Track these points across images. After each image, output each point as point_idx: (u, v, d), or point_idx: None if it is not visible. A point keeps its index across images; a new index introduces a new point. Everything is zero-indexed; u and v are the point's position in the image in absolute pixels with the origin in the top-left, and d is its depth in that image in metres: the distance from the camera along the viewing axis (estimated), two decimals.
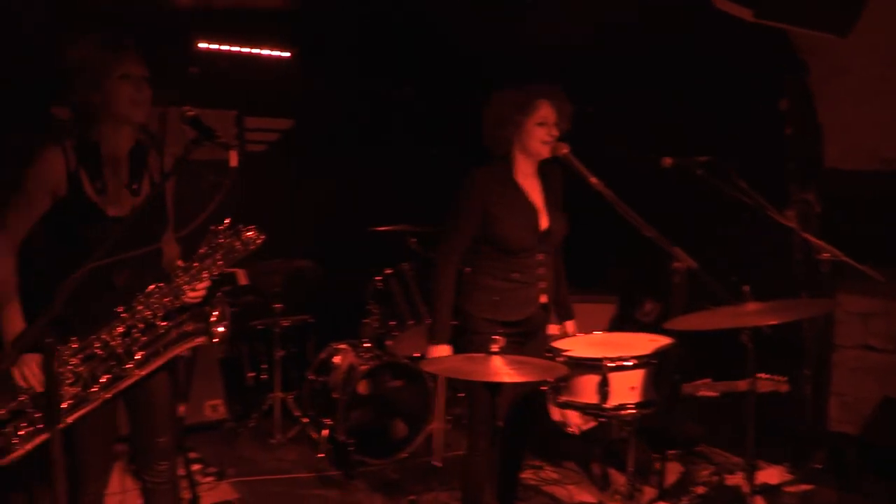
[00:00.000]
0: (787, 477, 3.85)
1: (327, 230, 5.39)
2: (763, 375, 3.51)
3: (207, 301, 2.30)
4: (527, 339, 2.98)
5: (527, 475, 4.05)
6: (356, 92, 5.62)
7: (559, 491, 3.87)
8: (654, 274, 3.86)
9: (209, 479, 3.99)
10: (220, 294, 2.33)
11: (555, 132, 2.86)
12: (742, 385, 3.60)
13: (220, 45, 5.22)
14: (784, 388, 3.54)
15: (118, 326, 2.20)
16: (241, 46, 5.32)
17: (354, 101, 5.63)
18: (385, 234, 4.73)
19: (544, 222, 2.95)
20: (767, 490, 3.66)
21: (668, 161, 3.15)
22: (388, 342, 4.49)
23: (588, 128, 3.09)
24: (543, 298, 2.99)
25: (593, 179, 2.67)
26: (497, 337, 2.31)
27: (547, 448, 4.14)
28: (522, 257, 2.90)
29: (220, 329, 2.29)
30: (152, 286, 2.24)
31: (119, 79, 2.27)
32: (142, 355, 2.23)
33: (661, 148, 2.89)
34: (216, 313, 2.29)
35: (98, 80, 2.24)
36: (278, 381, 4.65)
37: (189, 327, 2.28)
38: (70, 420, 2.18)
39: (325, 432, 4.24)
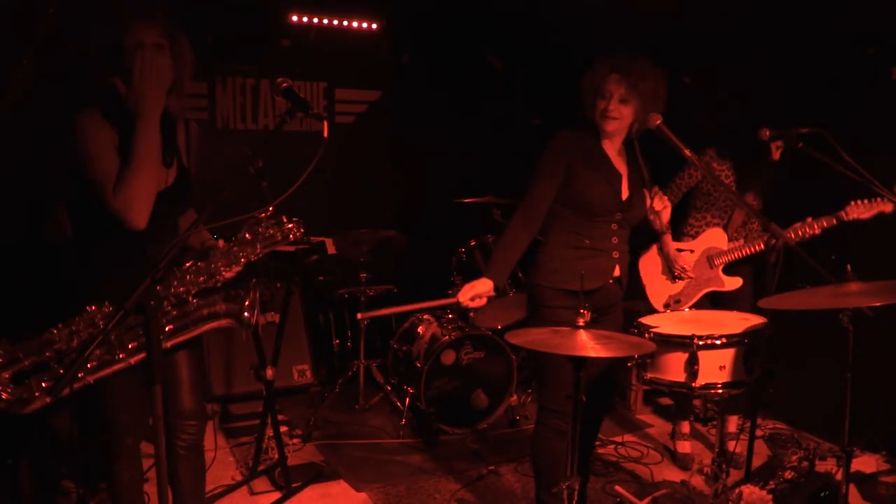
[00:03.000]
0: (884, 466, 3.69)
1: (413, 201, 5.44)
2: None
3: (240, 284, 2.31)
4: (601, 316, 2.83)
5: (607, 451, 4.03)
6: (442, 63, 5.61)
7: (640, 468, 3.83)
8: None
9: (295, 440, 4.13)
10: (254, 280, 2.32)
11: (615, 108, 2.71)
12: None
13: (310, 17, 5.30)
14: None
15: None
16: (330, 19, 5.39)
17: (440, 72, 5.62)
18: (470, 206, 4.74)
19: (626, 192, 2.83)
20: (861, 479, 3.52)
21: (766, 133, 3.03)
22: (471, 314, 4.52)
23: (685, 99, 2.99)
24: (617, 271, 2.84)
25: (687, 152, 2.58)
26: (583, 311, 2.28)
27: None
28: (598, 223, 2.79)
29: (249, 315, 2.29)
30: (189, 263, 2.26)
31: (133, 48, 2.25)
32: (170, 328, 2.26)
33: (761, 119, 2.77)
34: (249, 299, 2.29)
35: (115, 50, 2.26)
36: (362, 349, 4.75)
37: (221, 307, 2.29)
38: (91, 380, 2.21)
39: (408, 400, 4.32)
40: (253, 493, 3.53)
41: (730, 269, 3.73)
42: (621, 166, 2.86)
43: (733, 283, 3.70)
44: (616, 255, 2.84)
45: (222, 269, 2.25)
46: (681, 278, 3.76)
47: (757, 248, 3.61)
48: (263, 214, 2.21)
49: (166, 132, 2.35)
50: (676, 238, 3.81)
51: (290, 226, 2.24)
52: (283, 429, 4.10)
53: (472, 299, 2.62)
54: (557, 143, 2.81)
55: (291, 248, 4.01)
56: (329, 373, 5.12)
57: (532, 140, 5.63)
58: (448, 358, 4.24)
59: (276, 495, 3.49)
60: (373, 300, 4.86)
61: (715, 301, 3.75)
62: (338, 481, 3.69)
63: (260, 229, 2.24)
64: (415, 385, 4.23)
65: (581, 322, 2.27)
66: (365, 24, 5.51)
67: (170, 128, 2.41)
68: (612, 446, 4.09)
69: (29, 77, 3.42)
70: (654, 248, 3.84)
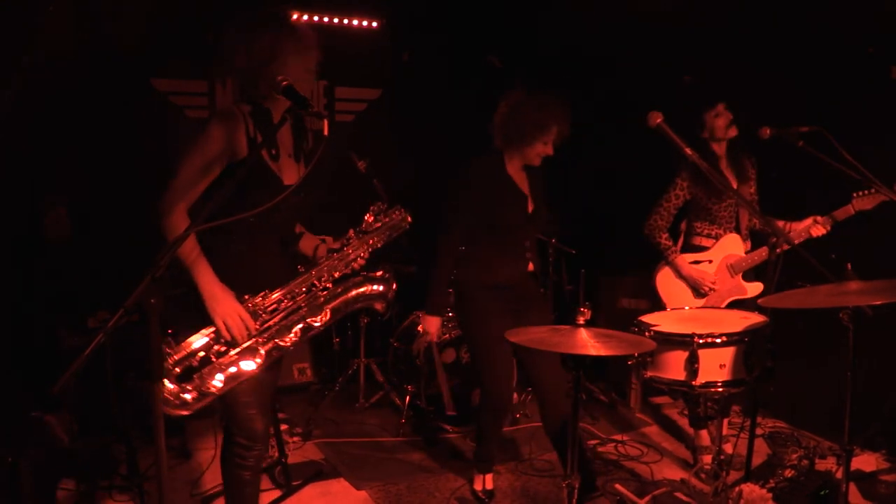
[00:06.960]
0: (884, 465, 3.69)
1: (413, 200, 5.42)
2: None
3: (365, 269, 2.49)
4: (521, 304, 3.26)
5: (607, 449, 4.04)
6: (443, 62, 5.60)
7: (640, 467, 3.83)
8: None
9: (295, 438, 4.13)
10: (387, 264, 2.52)
11: (550, 151, 3.17)
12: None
13: (310, 16, 5.30)
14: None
15: (302, 284, 2.38)
16: (330, 17, 5.39)
17: (441, 71, 5.61)
18: None
19: (530, 207, 3.28)
20: (861, 477, 3.52)
21: (766, 131, 3.04)
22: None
23: (685, 98, 2.99)
24: (531, 266, 3.31)
25: (688, 150, 2.59)
26: (583, 309, 2.29)
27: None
28: (512, 235, 3.26)
29: (392, 296, 2.53)
30: (325, 253, 2.46)
31: (293, 53, 2.31)
32: (329, 310, 2.41)
33: (761, 118, 2.77)
34: (394, 282, 2.52)
35: (275, 53, 2.28)
36: (363, 347, 4.75)
37: (368, 290, 2.49)
38: (265, 364, 2.37)
39: (408, 398, 4.32)
40: None
41: (754, 273, 3.62)
42: (524, 186, 3.29)
43: (755, 289, 3.60)
44: (529, 255, 3.31)
45: (353, 255, 2.45)
46: (707, 294, 3.60)
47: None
48: (384, 205, 2.53)
49: (298, 133, 2.47)
50: (684, 249, 3.67)
51: (404, 215, 2.56)
52: (284, 427, 4.10)
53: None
54: (468, 178, 3.22)
55: None
56: (329, 371, 5.12)
57: None
58: (448, 356, 4.24)
59: (276, 493, 3.50)
60: None
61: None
62: (338, 479, 3.69)
63: (385, 217, 2.52)
64: (415, 383, 4.23)
65: (581, 321, 2.28)
66: (365, 23, 5.51)
67: (301, 129, 2.50)
68: (612, 445, 4.09)
69: (29, 78, 3.42)
70: (667, 267, 3.68)
